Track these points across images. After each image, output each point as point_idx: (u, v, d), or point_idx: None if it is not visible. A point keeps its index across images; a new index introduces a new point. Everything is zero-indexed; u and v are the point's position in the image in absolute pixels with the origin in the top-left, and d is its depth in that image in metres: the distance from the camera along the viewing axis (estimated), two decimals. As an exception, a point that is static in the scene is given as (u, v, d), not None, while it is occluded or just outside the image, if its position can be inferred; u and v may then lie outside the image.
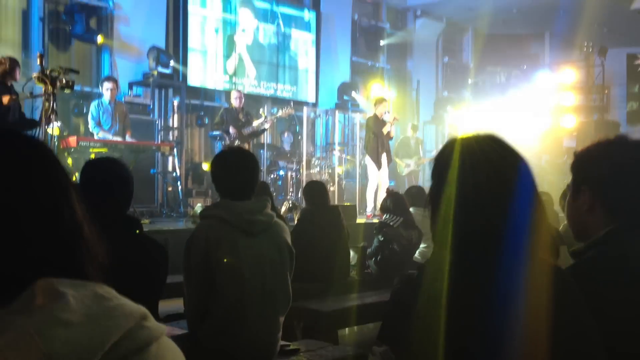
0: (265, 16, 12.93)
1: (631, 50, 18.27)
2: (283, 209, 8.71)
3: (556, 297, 1.38)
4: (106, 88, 8.84)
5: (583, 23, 14.64)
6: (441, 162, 1.53)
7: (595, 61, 16.08)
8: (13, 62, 7.44)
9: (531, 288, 1.39)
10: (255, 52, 12.71)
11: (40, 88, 7.21)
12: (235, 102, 10.17)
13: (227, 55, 12.18)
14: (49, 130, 7.21)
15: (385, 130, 10.61)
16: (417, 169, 13.41)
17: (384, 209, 6.80)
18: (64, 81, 7.13)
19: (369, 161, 10.76)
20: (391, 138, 11.15)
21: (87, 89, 10.07)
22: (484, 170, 1.45)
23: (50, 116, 7.05)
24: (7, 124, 7.08)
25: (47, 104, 7.03)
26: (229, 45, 12.23)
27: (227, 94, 11.93)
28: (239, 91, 10.60)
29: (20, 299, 0.90)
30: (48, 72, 7.04)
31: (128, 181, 2.71)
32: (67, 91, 7.39)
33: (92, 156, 7.89)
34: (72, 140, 7.93)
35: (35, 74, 7.10)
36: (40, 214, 0.96)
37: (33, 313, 0.88)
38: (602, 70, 15.96)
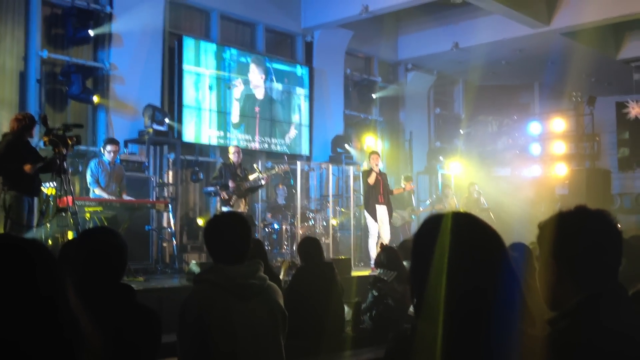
0: (260, 72, 13.16)
1: (620, 99, 18.53)
2: (283, 267, 8.70)
3: None
4: (109, 150, 8.94)
5: (571, 73, 14.94)
6: (426, 241, 1.60)
7: (585, 110, 16.29)
8: (32, 119, 7.44)
9: (523, 350, 1.47)
10: (249, 107, 12.90)
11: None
12: (233, 157, 10.28)
13: (222, 111, 12.35)
14: (45, 190, 7.28)
15: (370, 180, 10.66)
16: (411, 220, 13.50)
17: (378, 263, 6.85)
18: (74, 139, 7.19)
19: (366, 214, 10.83)
20: (392, 193, 11.24)
21: (82, 147, 10.12)
22: (476, 241, 1.55)
23: (62, 176, 7.09)
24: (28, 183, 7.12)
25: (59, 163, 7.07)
26: (224, 102, 12.42)
27: (222, 149, 12.06)
28: (236, 146, 10.69)
29: None
30: (57, 133, 7.09)
31: (123, 250, 2.77)
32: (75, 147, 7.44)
33: (87, 215, 7.95)
34: (68, 199, 7.97)
35: (45, 137, 7.08)
36: (41, 313, 1.04)
37: None
38: (592, 119, 16.16)
